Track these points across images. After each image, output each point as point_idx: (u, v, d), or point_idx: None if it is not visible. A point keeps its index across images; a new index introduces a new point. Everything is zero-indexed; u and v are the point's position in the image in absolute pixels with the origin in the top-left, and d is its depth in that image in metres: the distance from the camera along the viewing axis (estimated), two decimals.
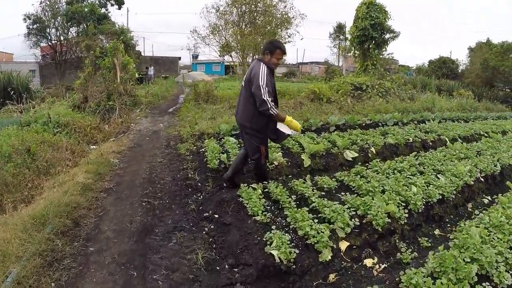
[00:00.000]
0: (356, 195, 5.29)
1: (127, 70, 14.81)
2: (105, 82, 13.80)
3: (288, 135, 4.85)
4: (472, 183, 6.69)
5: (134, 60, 16.57)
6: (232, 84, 21.26)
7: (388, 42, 21.21)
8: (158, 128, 11.27)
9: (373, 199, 4.96)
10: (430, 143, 9.79)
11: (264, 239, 4.01)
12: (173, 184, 6.29)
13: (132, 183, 6.30)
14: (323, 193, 5.32)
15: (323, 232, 4.05)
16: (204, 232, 4.57)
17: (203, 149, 7.70)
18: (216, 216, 4.93)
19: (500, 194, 6.05)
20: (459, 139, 10.49)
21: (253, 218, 4.50)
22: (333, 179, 5.89)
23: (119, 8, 37.99)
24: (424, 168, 6.82)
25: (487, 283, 3.24)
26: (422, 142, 9.68)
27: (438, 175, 6.43)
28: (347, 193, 5.26)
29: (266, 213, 4.59)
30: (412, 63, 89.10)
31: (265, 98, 4.22)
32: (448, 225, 5.51)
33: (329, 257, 3.90)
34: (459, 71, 42.78)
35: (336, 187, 5.57)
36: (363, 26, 20.00)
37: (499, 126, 13.97)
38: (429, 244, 4.73)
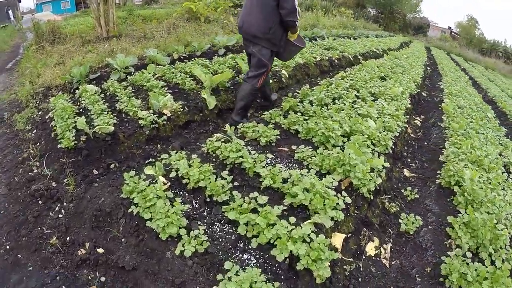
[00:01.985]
0: (311, 147, 3.38)
1: None
2: None
3: (301, 48, 4.28)
4: (410, 106, 5.68)
5: None
6: (85, 19, 16.73)
7: None
8: None
9: (342, 149, 3.14)
10: (336, 61, 8.65)
11: None
12: (10, 200, 3.53)
13: None
14: (263, 153, 3.26)
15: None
16: None
17: (50, 115, 4.65)
18: (101, 251, 2.73)
19: None
20: (359, 56, 9.77)
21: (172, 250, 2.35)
22: (264, 124, 3.81)
23: None
24: (359, 93, 5.32)
25: None
26: (329, 60, 8.43)
27: (377, 100, 5.07)
28: (300, 146, 3.30)
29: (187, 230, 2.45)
30: None
31: (297, 8, 3.74)
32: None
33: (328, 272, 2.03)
34: None
35: (276, 137, 3.53)
36: None
37: (385, 43, 14.36)
38: (416, 196, 3.48)
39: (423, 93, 8.31)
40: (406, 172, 3.97)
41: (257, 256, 2.32)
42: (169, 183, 3.05)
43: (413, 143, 5.01)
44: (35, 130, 4.60)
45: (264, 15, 3.78)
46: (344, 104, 4.56)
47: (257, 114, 4.83)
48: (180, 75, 5.39)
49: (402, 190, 3.54)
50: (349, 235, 2.60)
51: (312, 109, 4.17)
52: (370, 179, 2.82)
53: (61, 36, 11.18)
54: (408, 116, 5.50)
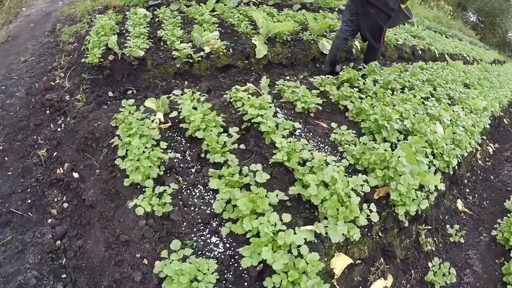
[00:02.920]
0: (356, 132, 2.59)
1: None
2: None
3: (409, 18, 4.15)
4: (488, 127, 4.80)
5: None
6: None
7: None
8: (54, 8, 7.26)
9: (393, 148, 2.36)
10: (420, 52, 7.52)
11: None
12: (23, 104, 3.53)
13: None
14: (293, 120, 2.56)
15: None
16: (49, 236, 2.28)
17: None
18: (75, 176, 2.55)
19: None
20: (446, 56, 8.50)
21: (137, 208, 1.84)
22: (307, 88, 3.01)
23: None
24: (435, 91, 4.36)
25: None
26: (412, 48, 7.30)
27: (454, 106, 4.12)
28: (342, 127, 2.54)
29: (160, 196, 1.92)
30: None
31: None
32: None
33: None
34: None
35: (318, 107, 2.76)
36: None
37: (477, 53, 12.76)
38: (461, 239, 2.69)
39: (505, 120, 7.06)
40: (459, 204, 3.12)
41: (228, 245, 1.69)
42: (169, 124, 2.49)
43: (479, 172, 4.06)
44: (75, 44, 4.33)
45: None
46: (414, 97, 3.66)
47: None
48: (238, 16, 4.83)
49: (447, 226, 2.72)
50: (358, 261, 1.89)
51: (374, 89, 3.32)
52: (415, 199, 2.04)
53: None
54: (482, 138, 4.49)
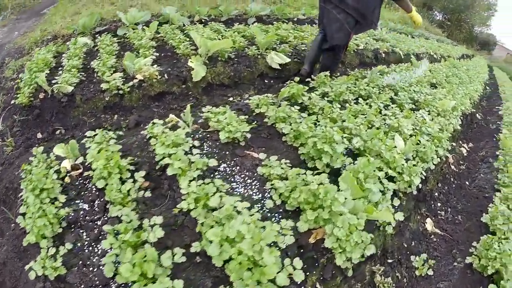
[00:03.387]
0: (293, 161, 2.18)
1: None
2: None
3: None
4: (459, 128, 4.52)
5: None
6: None
7: None
8: (9, 40, 7.11)
9: (337, 175, 1.95)
10: (383, 55, 7.24)
11: None
12: None
13: None
14: (218, 153, 2.15)
15: None
16: None
17: None
18: None
19: None
20: (412, 56, 8.33)
21: None
22: (235, 113, 2.60)
23: None
24: (397, 96, 4.04)
25: None
26: (374, 52, 7.01)
27: (418, 111, 3.78)
28: (271, 158, 2.12)
29: None
30: None
31: None
32: None
33: None
34: None
35: (247, 135, 2.34)
36: None
37: (445, 50, 12.79)
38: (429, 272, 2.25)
39: (477, 115, 6.81)
40: (429, 224, 2.72)
41: None
42: (81, 170, 2.11)
43: (452, 179, 3.69)
44: (17, 80, 3.98)
45: None
46: (370, 107, 3.29)
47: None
48: (179, 37, 4.47)
49: (412, 257, 2.30)
50: None
51: (321, 104, 2.95)
52: (359, 243, 1.62)
53: None
54: (453, 143, 4.15)
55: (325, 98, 3.22)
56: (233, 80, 3.86)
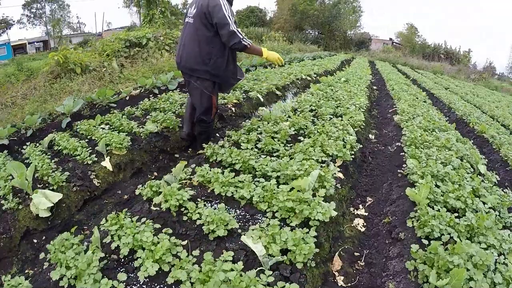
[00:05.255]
0: None
1: None
2: None
3: (239, 79, 4.00)
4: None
5: None
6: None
7: None
8: None
9: None
10: (233, 109, 5.98)
11: None
12: None
13: None
14: None
15: None
16: None
17: None
18: None
19: None
20: (277, 92, 7.12)
21: None
22: None
23: None
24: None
25: None
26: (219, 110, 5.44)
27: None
28: None
29: None
30: None
31: (234, 29, 3.52)
32: None
33: None
34: (268, 18, 42.88)
35: None
36: None
37: (320, 66, 12.21)
38: None
39: (370, 136, 5.51)
40: None
41: None
42: None
43: None
44: None
45: (200, 45, 3.63)
46: None
47: None
48: None
49: None
50: None
51: None
52: None
53: None
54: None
55: None
56: None
